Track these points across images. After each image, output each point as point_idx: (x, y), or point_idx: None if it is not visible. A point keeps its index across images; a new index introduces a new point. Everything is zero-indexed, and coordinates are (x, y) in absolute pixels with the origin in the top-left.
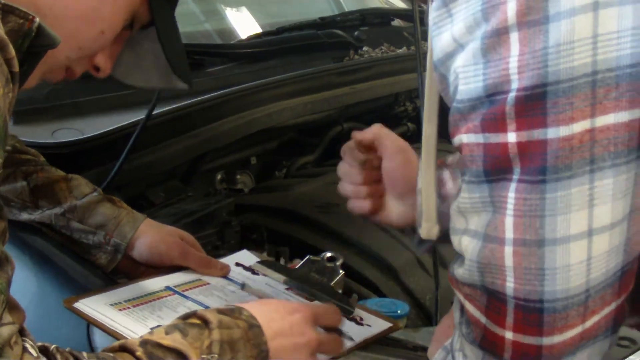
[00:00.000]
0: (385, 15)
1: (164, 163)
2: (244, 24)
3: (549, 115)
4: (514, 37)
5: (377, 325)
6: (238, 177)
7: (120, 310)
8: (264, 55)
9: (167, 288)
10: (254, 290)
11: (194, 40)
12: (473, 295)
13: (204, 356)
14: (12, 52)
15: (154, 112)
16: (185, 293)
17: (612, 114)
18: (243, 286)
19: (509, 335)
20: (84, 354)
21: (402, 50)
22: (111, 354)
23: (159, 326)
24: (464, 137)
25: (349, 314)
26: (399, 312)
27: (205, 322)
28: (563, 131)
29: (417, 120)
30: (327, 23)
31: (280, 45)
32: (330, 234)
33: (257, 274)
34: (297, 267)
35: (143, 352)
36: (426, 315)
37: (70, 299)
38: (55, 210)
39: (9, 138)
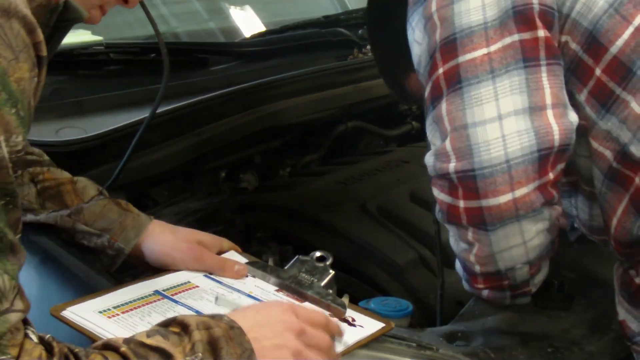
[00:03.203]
0: None
1: (168, 162)
2: (248, 23)
3: (459, 49)
4: (435, 16)
5: (370, 325)
6: (242, 175)
7: (109, 317)
8: (268, 53)
9: (156, 292)
10: (228, 302)
11: (198, 39)
12: (439, 183)
13: (187, 358)
14: (41, 35)
15: (158, 111)
16: (175, 297)
17: (499, 42)
18: (217, 299)
19: (461, 204)
20: (74, 346)
21: None
22: (97, 350)
23: None
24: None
25: (341, 316)
26: (402, 311)
27: (184, 328)
28: (469, 56)
29: (421, 118)
30: (331, 21)
31: (284, 43)
32: (334, 232)
33: (247, 275)
34: (286, 267)
35: (128, 349)
36: (430, 314)
37: (58, 307)
38: (61, 212)
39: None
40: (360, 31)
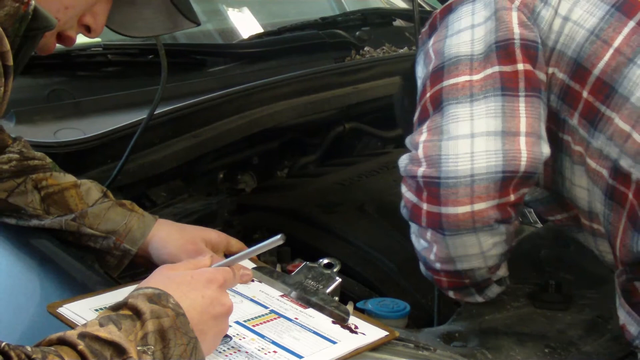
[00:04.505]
0: (386, 16)
1: (166, 163)
2: (246, 24)
3: (445, 75)
4: (431, 50)
5: (372, 333)
6: (240, 177)
7: None
8: (266, 55)
9: None
10: None
11: (196, 40)
12: (408, 182)
13: (139, 348)
14: (7, 45)
15: (156, 112)
16: None
17: (482, 72)
18: None
19: (424, 206)
20: (28, 347)
21: (404, 51)
22: (52, 348)
23: None
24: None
25: (343, 322)
26: (400, 311)
27: (137, 313)
28: (452, 81)
29: None
30: (329, 23)
31: (281, 45)
32: (331, 233)
33: (252, 280)
34: (293, 273)
35: (85, 346)
36: (427, 314)
37: (54, 304)
38: (66, 217)
39: None
40: (357, 33)
